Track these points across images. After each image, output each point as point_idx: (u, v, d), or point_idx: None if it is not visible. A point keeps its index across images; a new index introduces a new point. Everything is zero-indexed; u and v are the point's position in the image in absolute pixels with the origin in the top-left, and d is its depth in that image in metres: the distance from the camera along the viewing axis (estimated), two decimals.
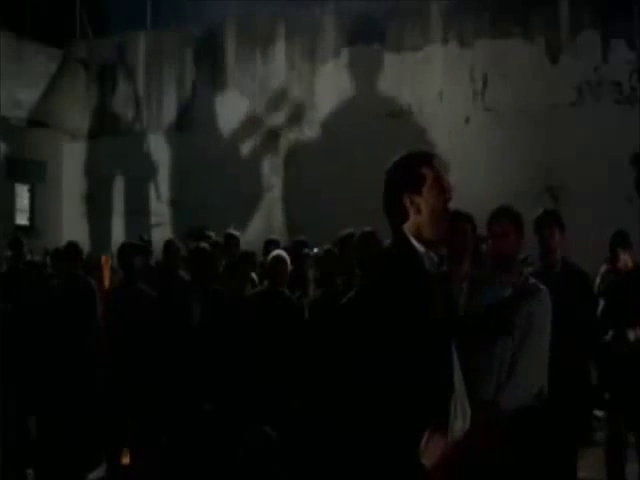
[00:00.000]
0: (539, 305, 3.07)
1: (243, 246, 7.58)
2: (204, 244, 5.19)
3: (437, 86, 9.70)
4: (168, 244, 5.55)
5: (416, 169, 2.16)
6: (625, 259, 4.65)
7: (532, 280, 3.17)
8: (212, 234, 6.52)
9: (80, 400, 4.93)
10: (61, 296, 5.13)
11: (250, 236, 9.85)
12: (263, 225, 10.55)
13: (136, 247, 5.58)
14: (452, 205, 2.47)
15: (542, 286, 3.13)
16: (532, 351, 2.98)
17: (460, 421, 2.17)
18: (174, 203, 11.42)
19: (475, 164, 9.10)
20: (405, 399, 1.97)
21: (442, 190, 2.15)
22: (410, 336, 2.00)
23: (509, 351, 3.00)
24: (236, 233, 6.49)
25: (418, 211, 2.14)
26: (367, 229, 4.15)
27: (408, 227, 2.16)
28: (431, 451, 2.02)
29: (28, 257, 6.80)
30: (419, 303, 2.05)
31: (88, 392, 5.00)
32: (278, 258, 4.61)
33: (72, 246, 5.33)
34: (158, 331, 4.73)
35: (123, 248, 5.31)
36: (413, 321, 2.02)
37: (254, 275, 5.49)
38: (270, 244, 6.22)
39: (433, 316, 2.10)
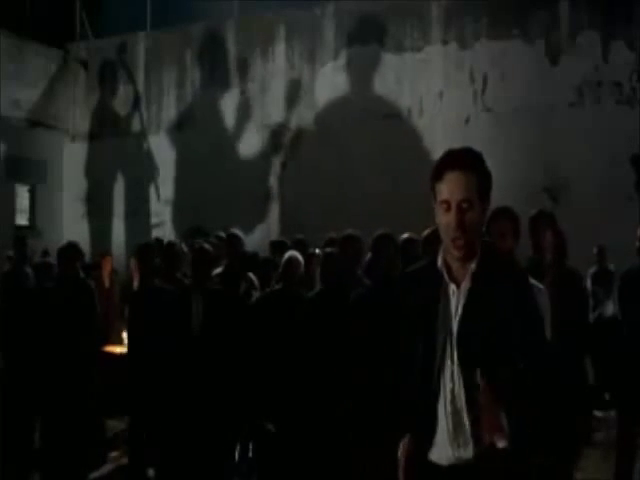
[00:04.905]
0: (542, 305, 3.05)
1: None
2: (207, 245, 5.17)
3: (437, 87, 9.71)
4: (169, 245, 5.52)
5: (430, 182, 2.04)
6: None
7: (532, 280, 3.15)
8: (218, 234, 6.49)
9: (78, 401, 4.94)
10: (58, 297, 5.11)
11: (250, 235, 9.86)
12: (263, 225, 10.56)
13: (158, 248, 5.55)
14: None
15: (541, 285, 3.12)
16: None
17: (448, 447, 2.00)
18: (174, 203, 11.43)
19: None
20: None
21: (444, 211, 1.99)
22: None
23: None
24: (239, 233, 6.47)
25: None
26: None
27: None
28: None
29: (36, 258, 6.80)
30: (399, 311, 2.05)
31: (86, 393, 5.01)
32: (292, 259, 4.62)
33: (70, 247, 5.29)
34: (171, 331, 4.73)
35: (146, 248, 5.26)
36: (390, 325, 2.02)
37: (252, 275, 5.47)
38: (276, 245, 6.19)
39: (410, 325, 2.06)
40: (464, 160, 1.99)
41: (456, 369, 1.96)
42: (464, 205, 1.94)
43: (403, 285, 2.17)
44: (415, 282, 2.11)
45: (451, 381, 1.97)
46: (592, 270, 7.56)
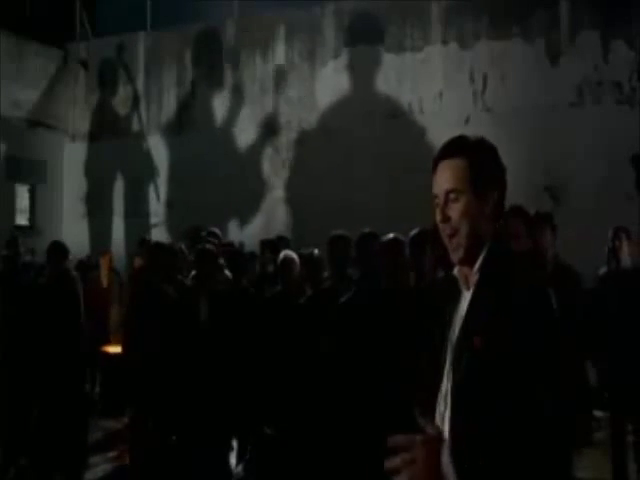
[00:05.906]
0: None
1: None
2: (210, 245, 5.16)
3: (437, 87, 9.70)
4: (169, 246, 5.51)
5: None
6: None
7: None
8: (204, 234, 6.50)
9: (61, 397, 4.98)
10: (45, 294, 5.18)
11: (249, 236, 9.85)
12: (262, 225, 10.54)
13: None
14: None
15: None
16: None
17: None
18: (173, 203, 11.42)
19: None
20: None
21: (436, 207, 1.73)
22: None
23: None
24: (217, 231, 6.47)
25: None
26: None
27: None
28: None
29: (27, 257, 6.81)
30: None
31: (69, 389, 5.06)
32: (286, 260, 4.55)
33: (55, 246, 5.36)
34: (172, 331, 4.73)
35: (161, 249, 5.27)
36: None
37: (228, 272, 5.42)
38: (265, 244, 6.18)
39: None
40: (452, 146, 1.71)
41: (448, 390, 1.62)
42: (451, 196, 1.67)
43: (428, 298, 1.98)
44: (439, 292, 1.86)
45: (443, 403, 1.64)
46: (602, 271, 7.50)
